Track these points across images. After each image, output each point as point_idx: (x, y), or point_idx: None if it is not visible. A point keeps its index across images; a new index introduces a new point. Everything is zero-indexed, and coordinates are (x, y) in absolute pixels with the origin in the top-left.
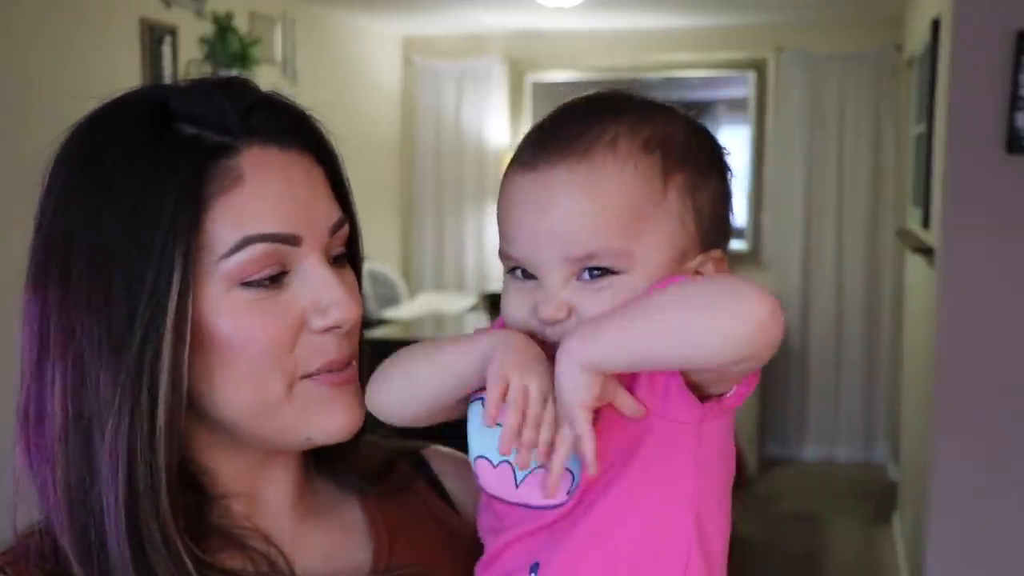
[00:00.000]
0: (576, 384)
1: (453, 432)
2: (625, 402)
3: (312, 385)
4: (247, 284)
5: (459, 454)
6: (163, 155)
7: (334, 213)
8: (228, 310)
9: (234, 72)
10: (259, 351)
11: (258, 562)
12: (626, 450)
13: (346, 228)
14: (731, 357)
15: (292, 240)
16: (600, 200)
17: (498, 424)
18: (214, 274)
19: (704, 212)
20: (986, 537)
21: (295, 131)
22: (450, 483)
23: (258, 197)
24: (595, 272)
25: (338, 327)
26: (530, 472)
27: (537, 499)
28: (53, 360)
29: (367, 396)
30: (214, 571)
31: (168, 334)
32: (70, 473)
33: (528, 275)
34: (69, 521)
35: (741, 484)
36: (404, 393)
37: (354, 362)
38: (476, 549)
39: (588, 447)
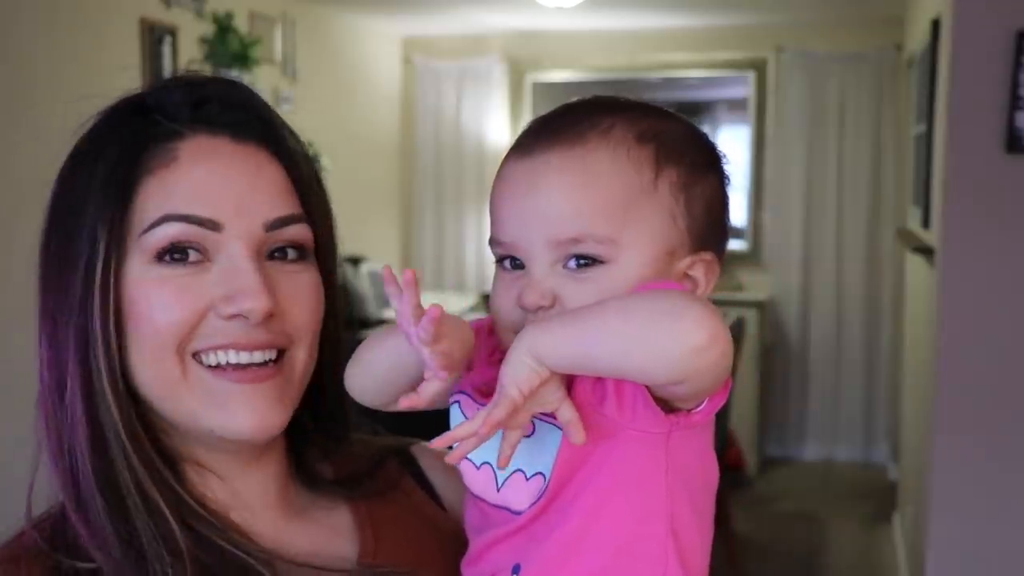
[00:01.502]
0: (516, 367)
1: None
2: (566, 415)
3: (210, 376)
4: (164, 262)
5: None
6: (113, 140)
7: (278, 210)
8: (142, 284)
9: (234, 72)
10: (161, 325)
11: (231, 539)
12: (597, 458)
13: (296, 228)
14: (665, 377)
15: (211, 225)
16: (588, 182)
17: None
18: (135, 249)
19: (697, 212)
20: (986, 537)
21: (254, 126)
22: (438, 480)
23: (186, 179)
24: (581, 261)
25: (245, 317)
26: (511, 475)
27: (516, 503)
28: (39, 336)
29: (346, 375)
30: (196, 531)
31: (97, 302)
32: (55, 437)
33: (516, 265)
34: (61, 483)
35: (741, 484)
36: (364, 370)
37: (283, 365)
38: (462, 547)
39: (492, 420)
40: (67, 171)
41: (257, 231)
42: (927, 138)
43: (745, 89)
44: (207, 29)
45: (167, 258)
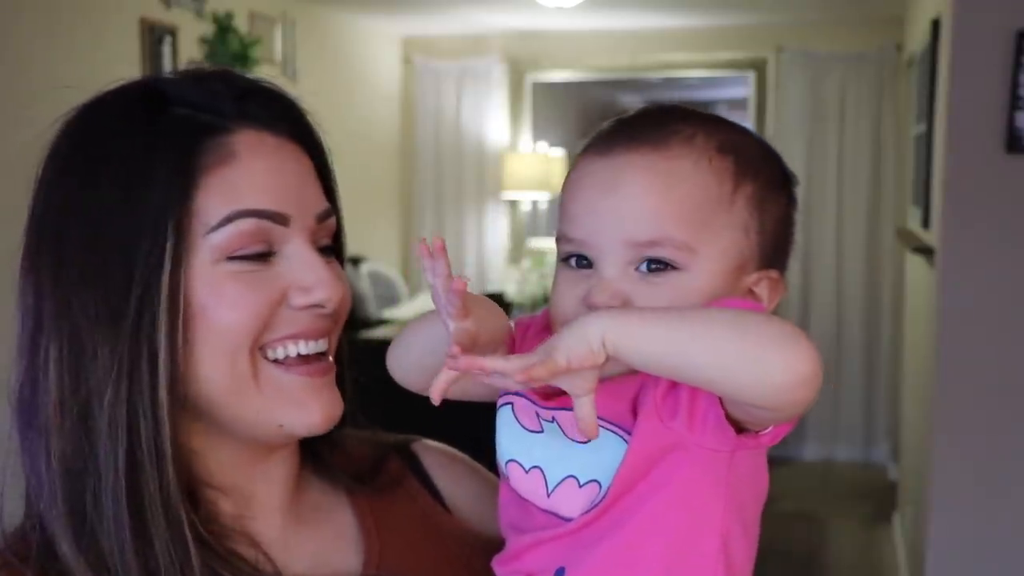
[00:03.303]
0: (577, 341)
1: (444, 426)
2: (585, 409)
3: (280, 373)
4: (233, 258)
5: (449, 448)
6: (156, 133)
7: (321, 202)
8: (213, 282)
9: None
10: (236, 322)
11: (240, 568)
12: (660, 472)
13: (333, 220)
14: (760, 400)
15: (280, 219)
16: (671, 187)
17: (529, 430)
18: (202, 246)
19: (768, 228)
20: (986, 537)
21: (286, 120)
22: (440, 479)
23: (249, 174)
24: (654, 265)
25: (321, 307)
26: (562, 481)
27: (567, 510)
28: (47, 335)
29: (387, 356)
30: (210, 550)
31: (163, 304)
32: (66, 446)
33: (583, 264)
34: (64, 495)
35: None
36: (404, 353)
37: (330, 357)
38: (466, 550)
39: (530, 372)
40: (81, 165)
41: (311, 223)
42: (927, 138)
43: (745, 89)
44: (207, 29)
45: (239, 254)
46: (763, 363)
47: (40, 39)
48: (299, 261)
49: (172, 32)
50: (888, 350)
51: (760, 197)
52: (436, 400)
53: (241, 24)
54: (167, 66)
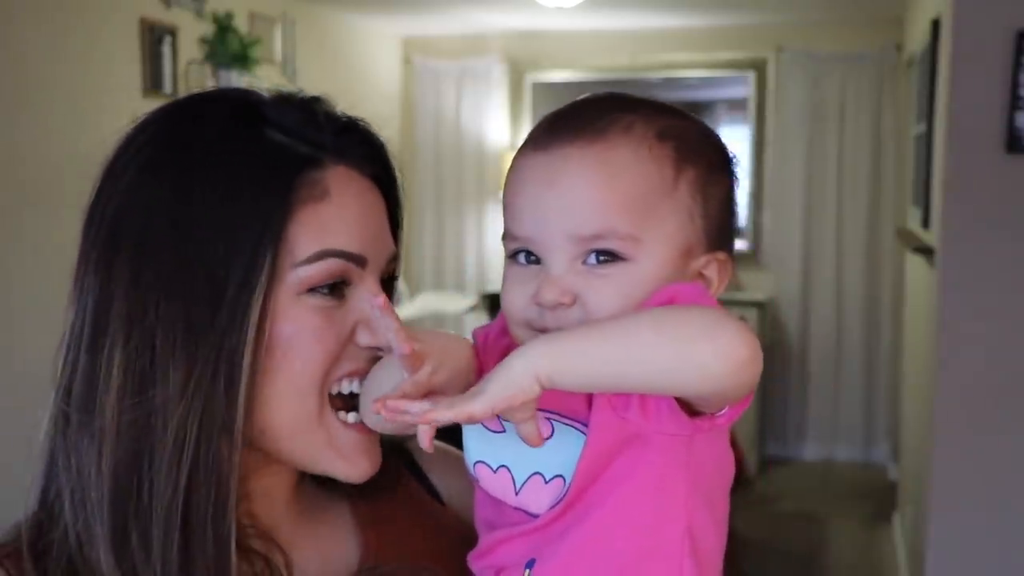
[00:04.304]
0: (510, 383)
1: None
2: (528, 431)
3: (343, 428)
4: (312, 291)
5: (443, 444)
6: (255, 155)
7: (391, 245)
8: (294, 314)
9: (234, 73)
10: (315, 356)
11: (255, 563)
12: (621, 463)
13: (395, 262)
14: (706, 391)
15: (360, 261)
16: (612, 178)
17: (492, 430)
18: (288, 278)
19: (713, 212)
20: (986, 537)
21: (374, 162)
22: (436, 476)
23: (340, 214)
24: (601, 257)
25: (381, 349)
26: (529, 478)
27: (535, 506)
28: (113, 337)
29: (359, 405)
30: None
31: (251, 328)
32: (120, 456)
33: (531, 260)
34: (110, 503)
35: (741, 484)
36: (370, 401)
37: None
38: (463, 543)
39: (465, 418)
40: (174, 171)
41: (383, 266)
42: (927, 138)
43: (745, 89)
44: (207, 29)
45: (322, 290)
46: (697, 359)
47: (40, 40)
48: (368, 301)
49: (172, 32)
50: (888, 350)
51: (703, 181)
52: (429, 449)
53: (241, 24)
54: (167, 66)
